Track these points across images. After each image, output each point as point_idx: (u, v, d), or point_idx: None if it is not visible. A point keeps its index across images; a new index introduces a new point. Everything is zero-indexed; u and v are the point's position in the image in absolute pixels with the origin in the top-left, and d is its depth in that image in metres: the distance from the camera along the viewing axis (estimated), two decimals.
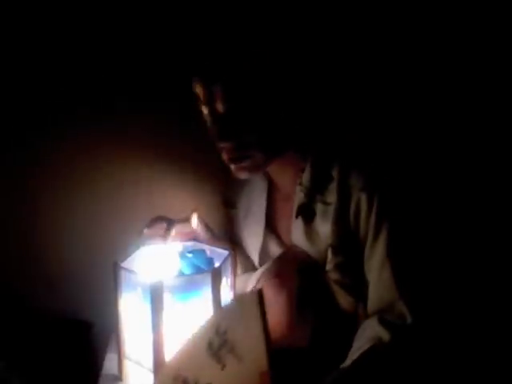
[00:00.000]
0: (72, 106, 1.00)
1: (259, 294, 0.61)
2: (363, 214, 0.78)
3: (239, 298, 0.67)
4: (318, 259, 0.82)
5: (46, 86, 0.98)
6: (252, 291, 0.67)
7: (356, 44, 0.97)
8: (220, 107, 0.77)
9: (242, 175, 0.84)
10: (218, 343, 0.62)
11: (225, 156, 0.82)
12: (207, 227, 0.90)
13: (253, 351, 0.60)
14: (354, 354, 0.73)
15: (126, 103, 1.01)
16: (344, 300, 0.80)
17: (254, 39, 0.77)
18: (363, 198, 0.78)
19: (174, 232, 0.83)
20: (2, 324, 0.95)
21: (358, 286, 0.79)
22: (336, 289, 0.80)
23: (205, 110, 0.81)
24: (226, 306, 0.67)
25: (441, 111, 0.98)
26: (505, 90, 0.95)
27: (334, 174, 0.81)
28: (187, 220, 0.87)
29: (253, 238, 0.92)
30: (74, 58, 0.98)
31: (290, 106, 0.80)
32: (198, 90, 0.79)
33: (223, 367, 0.62)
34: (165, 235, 0.82)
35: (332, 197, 0.81)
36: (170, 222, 0.83)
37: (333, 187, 0.81)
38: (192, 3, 0.92)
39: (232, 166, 0.82)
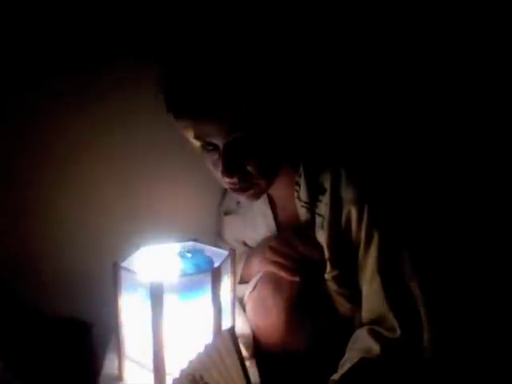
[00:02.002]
0: (72, 106, 1.00)
1: (231, 332, 0.65)
2: (354, 227, 0.78)
3: (212, 342, 0.69)
4: (320, 265, 0.82)
5: (47, 87, 0.98)
6: (223, 331, 0.68)
7: (347, 58, 0.97)
8: (220, 143, 0.75)
9: (249, 201, 0.85)
10: None
11: (229, 187, 0.81)
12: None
13: None
14: (344, 364, 0.73)
15: (124, 104, 1.00)
16: (342, 306, 0.81)
17: (253, 81, 0.73)
18: (353, 210, 0.78)
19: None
20: (2, 324, 0.95)
21: (356, 295, 0.80)
22: (335, 295, 0.80)
23: (195, 143, 0.79)
24: (197, 353, 0.68)
25: (431, 122, 0.98)
26: (500, 93, 0.95)
27: (326, 185, 0.81)
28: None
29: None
30: (73, 57, 0.98)
31: (289, 131, 0.80)
32: (188, 126, 0.76)
33: None
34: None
35: (325, 209, 0.81)
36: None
37: (326, 199, 0.81)
38: (187, 41, 0.83)
39: (237, 194, 0.83)
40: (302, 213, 0.84)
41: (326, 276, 0.81)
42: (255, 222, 0.95)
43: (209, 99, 0.71)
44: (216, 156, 0.78)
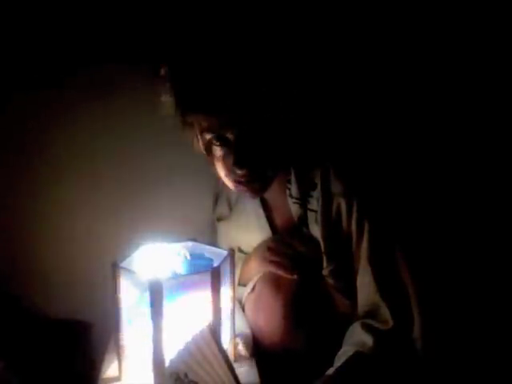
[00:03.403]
0: (72, 106, 1.00)
1: (210, 329, 0.65)
2: (344, 220, 0.79)
3: (190, 341, 0.68)
4: (318, 264, 0.82)
5: (47, 87, 0.98)
6: (203, 328, 0.68)
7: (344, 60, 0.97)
8: (230, 136, 0.76)
9: (254, 196, 0.84)
10: None
11: (237, 181, 0.81)
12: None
13: (220, 379, 0.63)
14: (339, 359, 0.74)
15: (125, 104, 1.01)
16: (340, 303, 0.81)
17: (264, 75, 0.74)
18: (343, 203, 0.79)
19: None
20: (2, 324, 0.95)
21: (353, 289, 0.80)
22: (333, 292, 0.80)
23: (204, 138, 0.79)
24: (178, 351, 0.68)
25: (423, 117, 0.99)
26: (498, 94, 0.95)
27: (317, 180, 0.82)
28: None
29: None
30: (73, 57, 0.98)
31: (295, 125, 0.81)
32: (199, 119, 0.76)
33: None
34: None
35: (317, 204, 0.81)
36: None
37: (317, 194, 0.82)
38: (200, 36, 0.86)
39: (241, 188, 0.82)
40: (295, 209, 0.85)
41: (324, 272, 0.81)
42: (248, 225, 0.95)
43: (221, 90, 0.72)
44: (225, 150, 0.78)
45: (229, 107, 0.72)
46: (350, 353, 0.72)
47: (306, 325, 0.79)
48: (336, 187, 0.80)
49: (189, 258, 0.80)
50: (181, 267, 0.79)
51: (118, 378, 0.77)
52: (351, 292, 0.80)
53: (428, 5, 0.95)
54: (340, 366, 0.71)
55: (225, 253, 0.82)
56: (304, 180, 0.84)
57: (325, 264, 0.81)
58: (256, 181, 0.80)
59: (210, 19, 0.80)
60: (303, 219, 0.84)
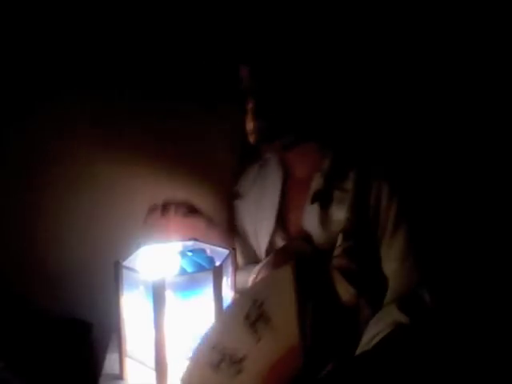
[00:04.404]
0: (72, 106, 1.00)
1: (293, 269, 0.63)
2: (384, 203, 0.80)
3: (274, 272, 0.69)
4: (325, 246, 0.82)
5: (47, 87, 0.99)
6: (286, 265, 0.67)
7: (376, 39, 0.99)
8: (260, 88, 0.83)
9: (276, 153, 0.91)
10: (255, 315, 0.64)
11: (257, 134, 0.86)
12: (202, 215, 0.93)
13: (287, 324, 0.62)
14: (372, 339, 0.73)
15: (126, 102, 1.01)
16: (345, 291, 0.79)
17: (290, 34, 0.84)
18: (385, 186, 0.80)
19: (172, 212, 0.87)
20: (2, 324, 0.95)
21: (362, 273, 0.80)
22: (338, 280, 0.79)
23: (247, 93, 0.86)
24: (262, 279, 0.69)
25: (458, 108, 0.99)
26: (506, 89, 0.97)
27: (355, 162, 0.84)
28: (183, 205, 0.90)
29: (263, 230, 0.92)
30: (74, 58, 0.99)
31: (319, 90, 0.85)
32: (244, 73, 0.86)
33: (259, 340, 0.63)
34: (164, 216, 0.85)
35: (350, 184, 0.83)
36: (165, 204, 0.88)
37: (352, 175, 0.83)
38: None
39: (264, 145, 0.88)
40: (318, 183, 0.86)
41: (336, 251, 0.81)
42: (261, 200, 0.95)
43: (262, 50, 0.84)
44: (252, 103, 0.85)
45: (256, 58, 0.83)
46: (386, 332, 0.72)
47: (308, 315, 0.79)
48: (377, 171, 0.82)
49: (190, 256, 0.80)
50: (183, 266, 0.79)
51: (119, 377, 0.78)
52: (359, 278, 0.80)
53: (432, 4, 0.97)
54: (377, 343, 0.71)
55: (226, 252, 0.82)
56: (340, 159, 0.86)
57: (339, 242, 0.81)
58: (276, 138, 0.85)
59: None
60: (320, 196, 0.85)
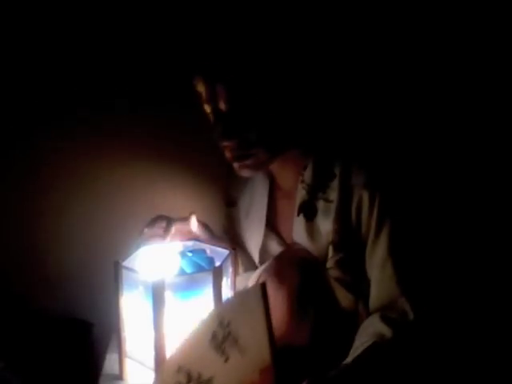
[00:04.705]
0: (72, 107, 1.00)
1: (262, 287, 0.60)
2: (365, 212, 0.79)
3: (243, 291, 0.67)
4: (318, 257, 0.82)
5: (48, 88, 0.99)
6: (255, 284, 0.67)
7: (354, 43, 0.98)
8: (223, 105, 0.78)
9: (246, 173, 0.85)
10: (221, 335, 0.62)
11: (228, 154, 0.82)
12: (206, 227, 0.90)
13: (256, 345, 0.59)
14: (356, 350, 0.73)
15: (126, 105, 1.01)
16: (344, 297, 0.80)
17: (256, 39, 0.78)
18: (365, 195, 0.79)
19: (173, 230, 0.83)
20: (2, 324, 0.95)
21: (358, 283, 0.80)
22: (336, 286, 0.80)
23: (207, 109, 0.81)
24: (229, 298, 0.67)
25: (440, 110, 0.99)
26: (506, 89, 0.97)
27: (336, 171, 0.82)
28: (186, 220, 0.87)
29: (253, 237, 0.93)
30: (75, 59, 0.99)
31: (291, 103, 0.81)
32: (200, 88, 0.79)
33: (226, 360, 0.61)
34: (164, 234, 0.82)
35: (334, 194, 0.81)
36: (170, 221, 0.84)
37: (335, 185, 0.82)
38: (195, 4, 0.93)
39: (235, 165, 0.83)
40: (301, 196, 0.85)
41: (328, 263, 0.81)
42: (249, 210, 0.95)
43: (219, 62, 0.76)
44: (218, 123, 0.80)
45: (224, 72, 0.76)
46: (369, 343, 0.72)
47: (309, 320, 0.79)
48: (358, 179, 0.80)
49: (190, 257, 0.80)
50: (182, 266, 0.79)
51: (118, 377, 0.78)
52: (356, 286, 0.80)
53: (432, 4, 0.96)
54: (358, 356, 0.70)
55: (226, 252, 0.82)
56: (321, 169, 0.84)
57: (330, 254, 0.81)
58: (248, 158, 0.81)
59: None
60: (305, 208, 0.84)
